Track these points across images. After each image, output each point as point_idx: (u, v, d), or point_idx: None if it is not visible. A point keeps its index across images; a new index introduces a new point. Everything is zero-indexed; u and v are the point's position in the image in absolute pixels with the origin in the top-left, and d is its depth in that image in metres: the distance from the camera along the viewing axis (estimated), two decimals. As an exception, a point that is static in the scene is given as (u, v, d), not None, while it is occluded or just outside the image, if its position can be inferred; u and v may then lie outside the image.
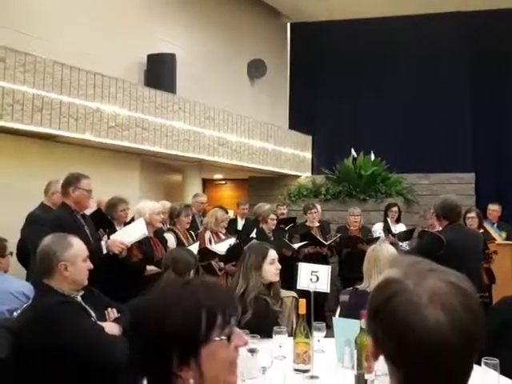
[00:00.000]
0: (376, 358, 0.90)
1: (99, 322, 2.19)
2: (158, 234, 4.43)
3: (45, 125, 4.93)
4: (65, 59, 5.18)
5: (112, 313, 2.37)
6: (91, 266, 2.29)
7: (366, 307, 0.90)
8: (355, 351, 2.02)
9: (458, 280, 0.86)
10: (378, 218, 6.72)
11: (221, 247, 4.72)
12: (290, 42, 10.49)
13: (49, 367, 1.89)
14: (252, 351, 2.03)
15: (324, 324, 2.49)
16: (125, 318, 2.28)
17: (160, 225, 4.47)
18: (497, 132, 8.98)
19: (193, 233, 5.14)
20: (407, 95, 9.38)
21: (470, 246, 3.88)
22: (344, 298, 3.29)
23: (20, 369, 1.96)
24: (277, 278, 2.81)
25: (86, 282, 2.25)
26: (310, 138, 9.11)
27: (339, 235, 5.98)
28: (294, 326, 2.40)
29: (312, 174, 8.85)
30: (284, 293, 2.92)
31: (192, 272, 3.25)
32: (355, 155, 7.96)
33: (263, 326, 2.40)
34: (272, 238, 5.75)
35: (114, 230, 4.04)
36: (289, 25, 10.46)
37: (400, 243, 5.72)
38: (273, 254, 2.83)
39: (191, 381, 0.99)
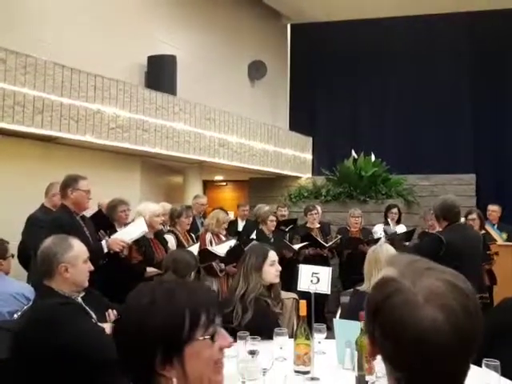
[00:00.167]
0: (373, 356, 0.90)
1: (99, 324, 2.19)
2: (159, 235, 4.43)
3: (45, 127, 4.94)
4: (65, 61, 5.19)
5: (112, 314, 2.37)
6: (92, 268, 2.29)
7: (364, 307, 0.90)
8: (356, 353, 2.02)
9: (456, 279, 0.85)
10: (378, 219, 6.72)
11: (221, 249, 4.72)
12: (290, 43, 10.51)
13: (49, 368, 1.89)
14: (252, 353, 2.03)
15: (324, 325, 2.48)
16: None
17: (160, 227, 4.48)
18: (497, 133, 8.97)
19: (193, 235, 5.14)
20: (407, 96, 9.40)
21: (470, 247, 3.87)
22: (344, 299, 3.29)
23: (20, 370, 1.96)
24: (277, 280, 2.81)
25: (86, 284, 2.25)
26: (310, 139, 9.11)
27: (340, 236, 5.97)
28: (295, 328, 2.40)
29: (312, 175, 8.85)
30: (284, 294, 2.91)
31: (193, 273, 3.25)
32: (355, 156, 7.96)
33: (264, 327, 2.40)
34: (272, 240, 5.75)
35: (115, 231, 4.05)
36: (289, 26, 10.47)
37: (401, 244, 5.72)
38: (273, 255, 2.83)
39: (174, 380, 0.99)
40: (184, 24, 7.96)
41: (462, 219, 4.53)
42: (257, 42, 9.39)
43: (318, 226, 6.30)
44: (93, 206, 4.37)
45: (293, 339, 2.27)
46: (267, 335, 2.29)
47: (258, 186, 8.65)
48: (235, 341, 2.23)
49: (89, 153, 5.83)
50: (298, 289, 2.61)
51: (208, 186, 10.02)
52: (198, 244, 4.77)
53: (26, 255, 3.93)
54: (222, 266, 4.84)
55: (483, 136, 9.04)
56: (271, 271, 2.78)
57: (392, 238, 5.36)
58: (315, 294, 2.48)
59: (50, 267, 2.14)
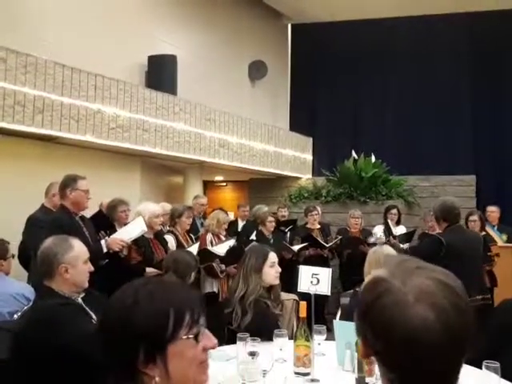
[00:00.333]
0: (367, 357, 0.89)
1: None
2: (159, 235, 4.43)
3: (46, 126, 4.94)
4: (66, 60, 5.19)
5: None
6: (92, 269, 2.29)
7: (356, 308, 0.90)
8: (356, 354, 2.02)
9: (446, 277, 0.85)
10: (378, 220, 6.71)
11: (220, 248, 4.72)
12: (290, 43, 10.51)
13: (49, 369, 1.89)
14: (252, 354, 2.03)
15: (324, 327, 2.48)
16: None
17: (159, 227, 4.48)
18: (497, 134, 8.97)
19: (192, 235, 5.14)
20: (408, 97, 9.40)
21: (470, 248, 3.87)
22: (345, 300, 3.29)
23: (21, 370, 1.96)
24: (277, 281, 2.81)
25: (86, 284, 2.25)
26: (310, 139, 9.11)
27: (340, 237, 5.97)
28: (295, 329, 2.40)
29: (313, 175, 8.85)
30: (284, 296, 2.91)
31: (193, 274, 3.25)
32: (356, 157, 7.96)
33: (263, 328, 2.40)
34: (272, 241, 5.75)
35: (115, 232, 4.05)
36: (290, 26, 10.47)
37: (401, 245, 5.71)
38: (273, 256, 2.83)
39: (157, 378, 0.99)
40: (184, 24, 7.96)
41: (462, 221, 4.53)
42: (257, 42, 9.39)
43: (319, 226, 6.30)
44: (94, 207, 4.37)
45: (293, 341, 2.27)
46: (267, 337, 2.28)
47: (258, 186, 8.65)
48: (235, 342, 2.23)
49: (89, 153, 5.82)
50: (298, 290, 2.61)
51: (208, 186, 10.03)
52: (198, 244, 4.76)
53: (27, 255, 3.93)
54: (223, 266, 4.83)
55: (483, 137, 9.04)
56: (271, 272, 2.77)
57: (392, 244, 5.35)
58: (315, 295, 2.48)
59: (50, 268, 2.14)
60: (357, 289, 2.99)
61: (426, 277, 0.84)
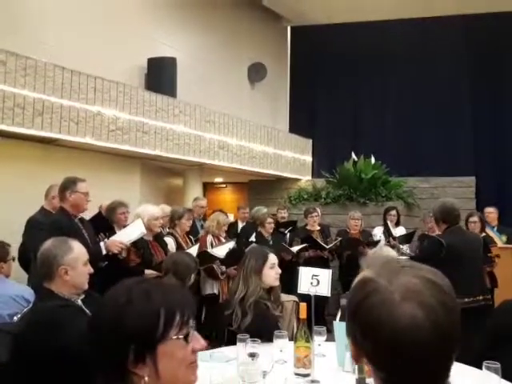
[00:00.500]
0: (358, 359, 0.89)
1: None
2: (158, 237, 4.43)
3: (45, 129, 4.94)
4: (65, 63, 5.20)
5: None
6: (92, 270, 2.28)
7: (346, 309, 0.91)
8: (356, 355, 2.02)
9: (433, 275, 0.85)
10: (378, 221, 6.71)
11: (220, 251, 4.72)
12: (290, 45, 10.52)
13: (49, 371, 1.89)
14: (253, 355, 2.02)
15: (325, 328, 2.48)
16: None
17: (159, 230, 4.47)
18: (497, 135, 8.98)
19: (192, 237, 5.14)
20: (407, 98, 9.41)
21: (470, 249, 3.87)
22: (344, 301, 3.28)
23: (20, 372, 1.96)
24: (277, 283, 2.81)
25: (86, 286, 2.24)
26: (310, 141, 9.11)
27: (340, 239, 5.97)
28: (295, 330, 2.40)
29: (312, 177, 8.86)
30: (284, 297, 2.91)
31: (193, 276, 3.25)
32: (355, 159, 7.96)
33: (263, 330, 2.40)
34: (271, 242, 5.75)
35: (114, 234, 4.05)
36: (289, 28, 10.48)
37: (401, 246, 5.72)
38: (273, 258, 2.83)
39: (146, 378, 1.00)
40: (184, 26, 7.97)
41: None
42: (257, 44, 9.40)
43: (318, 228, 6.30)
44: (94, 209, 4.37)
45: (293, 342, 2.26)
46: (267, 338, 2.28)
47: (258, 188, 8.66)
48: (235, 343, 2.23)
49: (89, 155, 5.83)
50: (298, 291, 2.60)
51: (208, 188, 10.03)
52: (197, 246, 4.76)
53: (27, 258, 3.92)
54: (223, 268, 4.83)
55: (483, 138, 9.05)
56: (271, 274, 2.77)
57: (392, 246, 5.35)
58: (315, 296, 2.47)
59: (50, 269, 2.14)
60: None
61: (413, 275, 0.84)
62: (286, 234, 6.31)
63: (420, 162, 8.94)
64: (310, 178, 8.83)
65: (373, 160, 7.85)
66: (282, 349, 2.28)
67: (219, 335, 2.70)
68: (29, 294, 3.09)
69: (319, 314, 3.79)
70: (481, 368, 1.87)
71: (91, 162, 5.76)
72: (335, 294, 5.24)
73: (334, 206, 7.64)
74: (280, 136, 8.38)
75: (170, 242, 4.63)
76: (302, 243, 5.83)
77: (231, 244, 4.87)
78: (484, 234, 5.33)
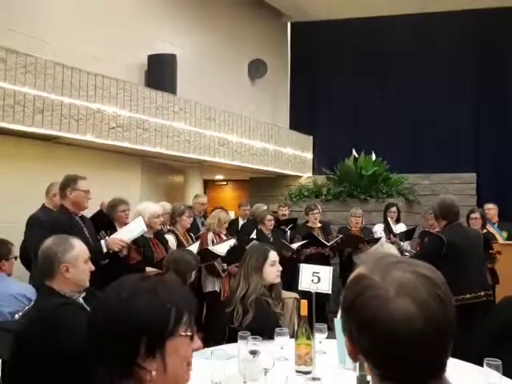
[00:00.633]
0: (355, 357, 0.89)
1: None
2: (159, 235, 4.43)
3: (46, 126, 4.94)
4: (66, 60, 5.19)
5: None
6: (93, 268, 2.29)
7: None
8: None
9: (426, 270, 0.85)
10: (379, 218, 6.72)
11: (221, 248, 4.72)
12: (290, 42, 10.48)
13: (50, 369, 1.89)
14: (254, 353, 2.03)
15: (325, 325, 2.48)
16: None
17: (159, 227, 4.48)
18: (498, 131, 8.95)
19: (192, 235, 5.14)
20: (408, 95, 9.38)
21: (471, 245, 3.88)
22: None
23: (22, 370, 1.96)
24: (278, 280, 2.81)
25: (87, 284, 2.25)
26: (310, 138, 9.10)
27: (341, 236, 5.97)
28: (296, 328, 2.40)
29: (313, 174, 8.84)
30: (285, 294, 2.91)
31: (193, 273, 3.25)
32: (356, 155, 7.95)
33: (265, 327, 2.40)
34: (272, 239, 5.75)
35: (115, 231, 4.05)
36: (289, 25, 10.45)
37: (401, 243, 5.73)
38: (274, 255, 2.83)
39: (154, 372, 1.00)
40: (184, 23, 7.96)
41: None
42: (257, 40, 9.38)
43: (319, 225, 6.30)
44: (94, 206, 4.37)
45: (294, 339, 2.27)
46: (268, 335, 2.29)
47: (259, 185, 8.65)
48: (236, 341, 2.23)
49: (89, 152, 5.83)
50: (299, 288, 2.61)
51: (208, 185, 10.03)
52: (198, 243, 4.76)
53: (28, 256, 3.93)
54: (225, 266, 4.84)
55: (484, 135, 9.03)
56: (272, 271, 2.78)
57: (393, 242, 5.36)
58: (316, 293, 2.48)
59: (51, 267, 2.14)
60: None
61: (406, 270, 0.84)
62: (286, 232, 6.31)
63: (421, 158, 8.93)
64: (310, 174, 8.82)
65: (373, 157, 7.84)
66: (283, 346, 2.28)
67: (220, 333, 2.71)
68: (30, 292, 3.10)
69: (320, 311, 3.79)
70: (482, 365, 1.87)
71: (91, 160, 5.76)
72: (336, 291, 5.24)
73: (335, 202, 7.64)
74: (280, 133, 8.38)
75: (171, 239, 4.63)
76: (302, 240, 5.83)
77: (232, 241, 4.87)
78: (485, 231, 5.33)
